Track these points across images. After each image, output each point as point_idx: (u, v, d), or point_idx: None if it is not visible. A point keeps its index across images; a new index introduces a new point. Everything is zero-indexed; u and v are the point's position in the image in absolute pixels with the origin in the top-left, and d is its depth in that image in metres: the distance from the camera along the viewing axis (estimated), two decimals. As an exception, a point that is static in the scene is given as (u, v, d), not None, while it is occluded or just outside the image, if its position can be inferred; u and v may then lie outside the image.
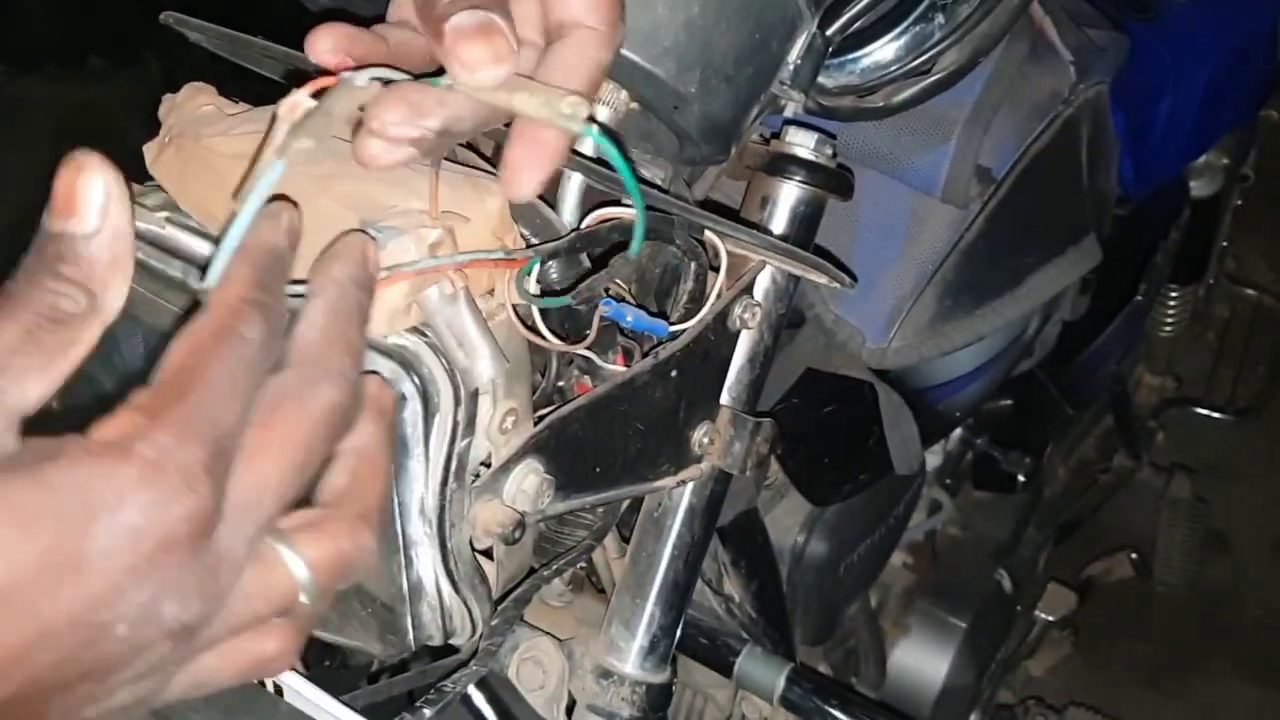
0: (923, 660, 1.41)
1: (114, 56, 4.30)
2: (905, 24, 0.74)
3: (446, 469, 0.56)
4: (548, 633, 0.78)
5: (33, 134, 3.60)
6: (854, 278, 0.67)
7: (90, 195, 0.39)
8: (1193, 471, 2.20)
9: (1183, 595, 2.23)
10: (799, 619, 1.12)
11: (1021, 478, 1.47)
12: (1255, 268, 2.40)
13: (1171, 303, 2.02)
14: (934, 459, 1.43)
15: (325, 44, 0.51)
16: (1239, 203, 2.00)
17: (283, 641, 0.44)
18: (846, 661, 1.35)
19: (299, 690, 0.65)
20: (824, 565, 1.11)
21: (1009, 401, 1.48)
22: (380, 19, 0.56)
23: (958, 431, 1.43)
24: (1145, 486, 2.18)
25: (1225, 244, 2.13)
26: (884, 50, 0.74)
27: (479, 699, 1.03)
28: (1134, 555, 2.16)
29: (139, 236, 0.63)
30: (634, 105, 0.64)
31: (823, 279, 0.65)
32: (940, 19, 0.74)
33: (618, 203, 0.62)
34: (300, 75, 0.58)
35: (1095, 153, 1.08)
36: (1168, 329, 2.05)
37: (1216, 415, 2.33)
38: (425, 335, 0.55)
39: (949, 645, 1.42)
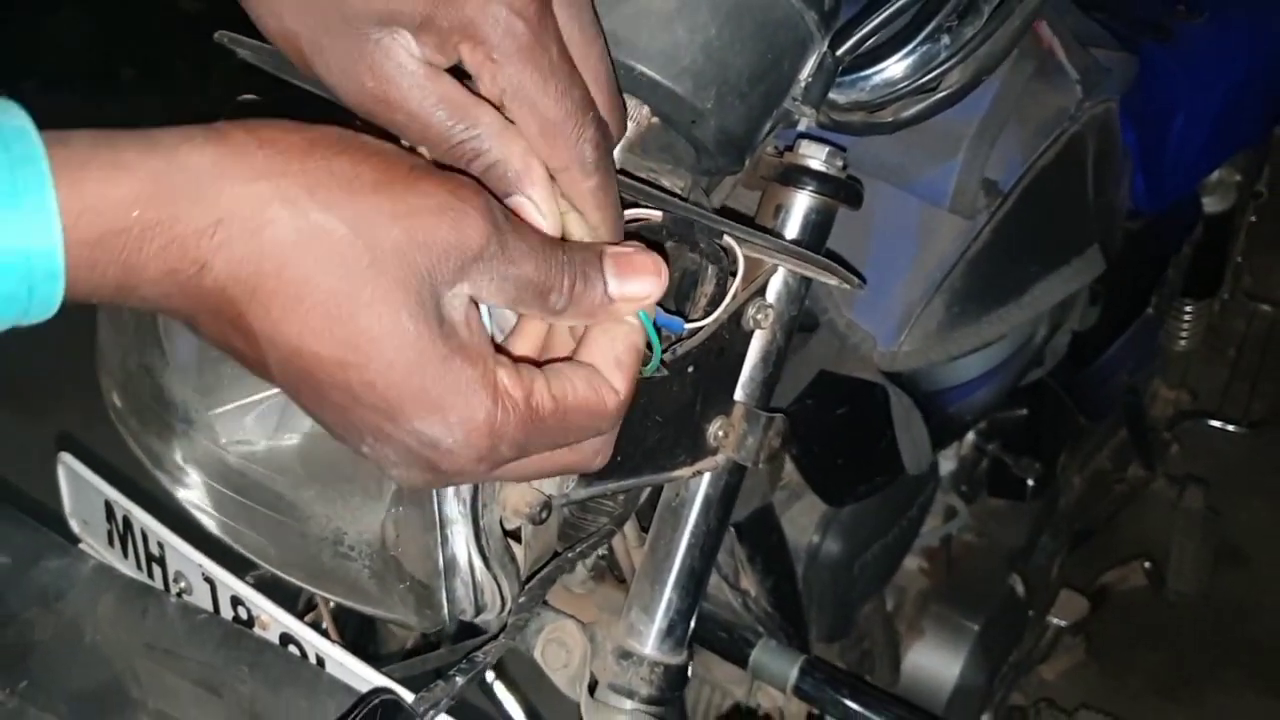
0: (936, 660, 1.45)
1: (145, 71, 4.39)
2: (913, 44, 0.78)
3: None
4: (572, 616, 0.82)
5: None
6: (863, 280, 0.72)
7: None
8: (1206, 483, 2.22)
9: (1197, 606, 2.26)
10: (814, 616, 1.16)
11: (1031, 482, 1.50)
12: (1271, 283, 2.42)
13: (1186, 317, 2.06)
14: (948, 465, 1.47)
15: None
16: (1253, 219, 2.03)
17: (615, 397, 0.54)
18: (862, 661, 1.39)
19: (340, 661, 0.69)
20: (838, 564, 1.15)
21: (1023, 410, 1.52)
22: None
23: (971, 438, 1.47)
24: (1159, 497, 2.21)
25: (1240, 259, 2.16)
26: (893, 69, 0.79)
27: (500, 690, 1.09)
28: (1148, 565, 2.19)
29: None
30: (655, 120, 0.69)
31: (832, 280, 0.70)
32: (946, 40, 0.78)
33: (637, 206, 0.66)
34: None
35: (1102, 168, 1.12)
36: (1183, 343, 2.08)
37: (1231, 428, 2.36)
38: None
39: (962, 646, 1.45)
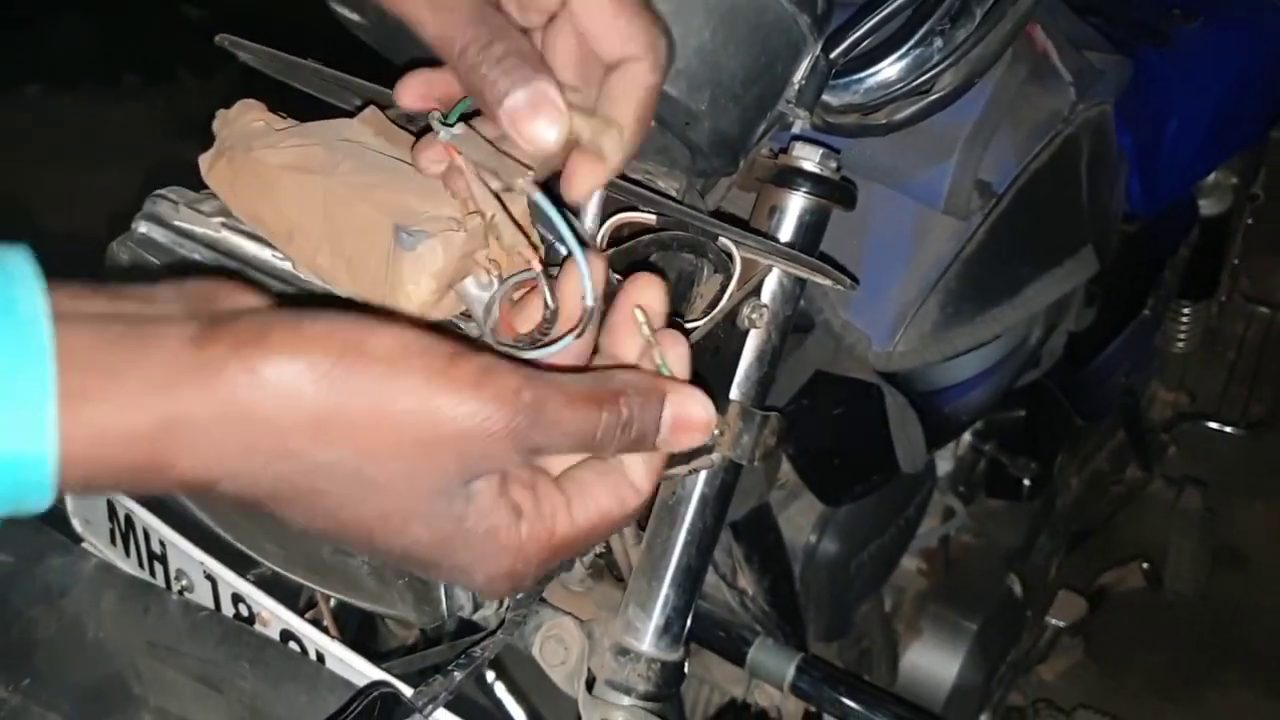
0: (934, 660, 1.46)
1: (148, 76, 4.41)
2: (906, 47, 0.79)
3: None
4: (570, 614, 0.83)
5: (70, 149, 3.70)
6: (856, 281, 0.73)
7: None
8: (1204, 484, 2.23)
9: (1195, 607, 2.27)
10: (811, 615, 1.17)
11: (1027, 482, 1.51)
12: (1269, 285, 2.43)
13: (1184, 319, 2.07)
14: (946, 466, 1.48)
15: (412, 90, 0.60)
16: (1250, 221, 2.04)
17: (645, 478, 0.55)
18: (860, 661, 1.40)
19: (340, 657, 0.70)
20: (835, 563, 1.16)
21: (1020, 411, 1.53)
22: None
23: (968, 438, 1.48)
24: (1157, 499, 2.21)
25: (1238, 262, 2.17)
26: (886, 72, 0.79)
27: (500, 689, 1.09)
28: (1146, 566, 2.20)
29: (195, 239, 0.69)
30: (651, 122, 0.70)
31: (825, 280, 0.71)
32: (939, 43, 0.79)
33: (634, 209, 0.67)
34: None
35: (1096, 170, 1.13)
36: (1180, 345, 2.09)
37: (1229, 430, 2.37)
38: (458, 326, 0.61)
39: (960, 646, 1.46)
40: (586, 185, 0.59)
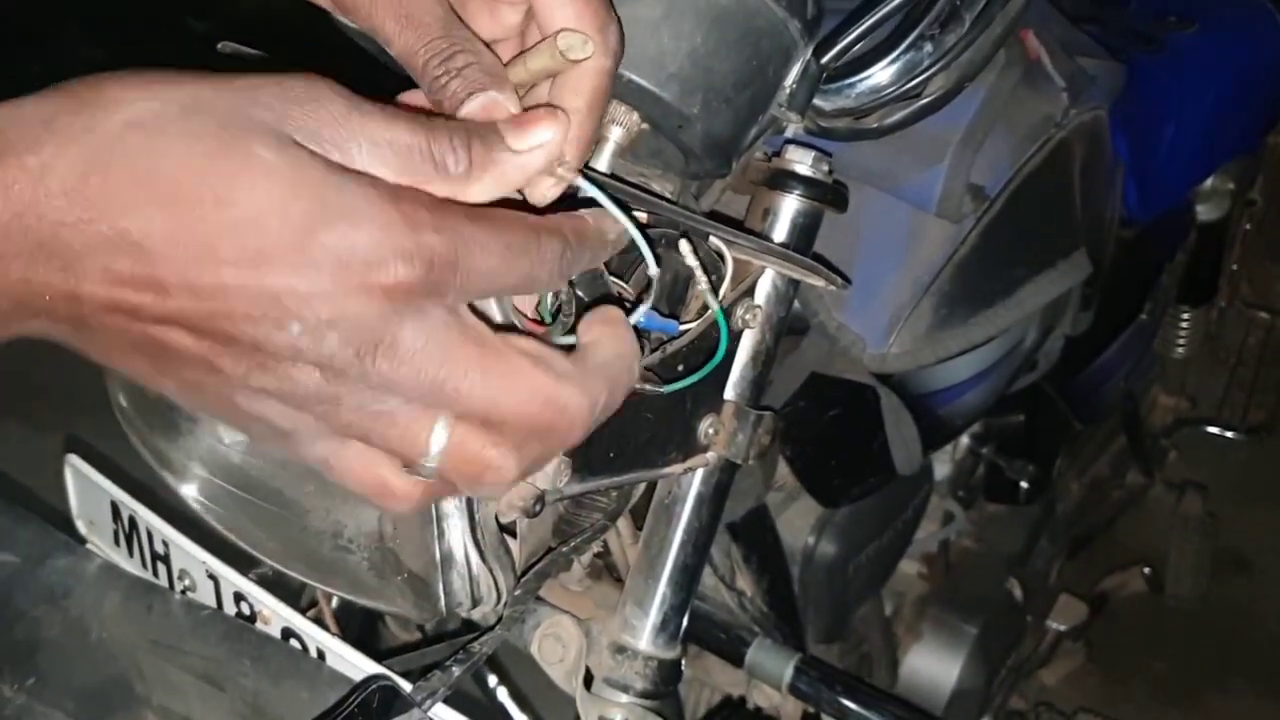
0: (934, 664, 1.46)
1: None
2: (897, 52, 0.80)
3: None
4: (568, 612, 0.84)
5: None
6: (848, 281, 0.74)
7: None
8: (1204, 489, 2.24)
9: (1198, 612, 2.27)
10: (810, 617, 1.18)
11: (1025, 485, 1.52)
12: (1269, 291, 2.43)
13: (1183, 324, 2.07)
14: (944, 469, 1.49)
15: None
16: (1248, 227, 2.05)
17: (406, 485, 0.49)
18: (860, 664, 1.41)
19: (341, 654, 0.71)
20: (833, 565, 1.17)
21: (1018, 415, 1.53)
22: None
23: (966, 442, 1.48)
24: (1158, 503, 2.22)
25: (1236, 267, 2.18)
26: (877, 76, 0.81)
27: (492, 680, 1.10)
28: (1147, 570, 2.20)
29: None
30: (644, 125, 0.71)
31: (818, 281, 0.72)
32: (929, 47, 0.80)
33: (628, 209, 0.68)
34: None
35: (1090, 174, 1.14)
36: (1180, 350, 2.10)
37: (1229, 435, 2.37)
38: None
39: (960, 649, 1.47)
40: (541, 190, 0.55)
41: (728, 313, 0.75)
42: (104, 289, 0.43)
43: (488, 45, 0.55)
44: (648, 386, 0.70)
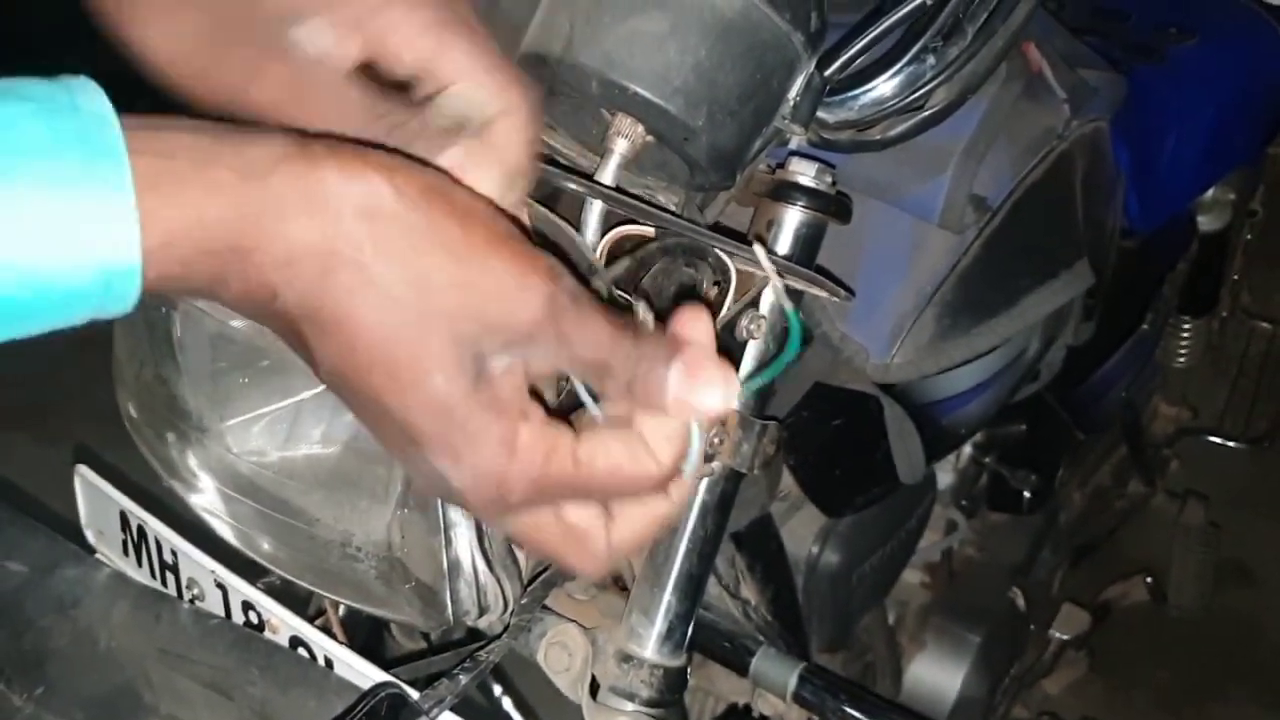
0: (937, 673, 1.47)
1: (159, 101, 4.44)
2: (899, 64, 0.81)
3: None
4: (574, 621, 0.84)
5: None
6: (851, 292, 0.74)
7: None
8: (1207, 499, 2.24)
9: (1201, 621, 2.27)
10: (814, 626, 1.18)
11: (1027, 494, 1.53)
12: (1270, 301, 2.44)
13: (1185, 335, 2.07)
14: (947, 478, 1.49)
15: None
16: (1249, 237, 2.05)
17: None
18: (864, 673, 1.41)
19: (348, 662, 0.72)
20: (837, 574, 1.17)
21: (1020, 425, 1.54)
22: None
23: (968, 451, 1.49)
24: (1160, 513, 2.22)
25: (1238, 277, 2.18)
26: (880, 88, 0.81)
27: (498, 689, 1.10)
28: (1149, 579, 2.20)
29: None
30: (649, 138, 0.71)
31: (821, 292, 0.72)
32: (931, 60, 0.81)
33: (633, 223, 0.69)
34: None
35: (1092, 185, 1.14)
36: (1182, 360, 2.10)
37: (1231, 444, 2.37)
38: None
39: (963, 658, 1.47)
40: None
41: (733, 323, 0.75)
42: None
43: None
44: None
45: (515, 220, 0.50)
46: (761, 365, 0.74)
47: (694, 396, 0.51)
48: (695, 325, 0.54)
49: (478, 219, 0.48)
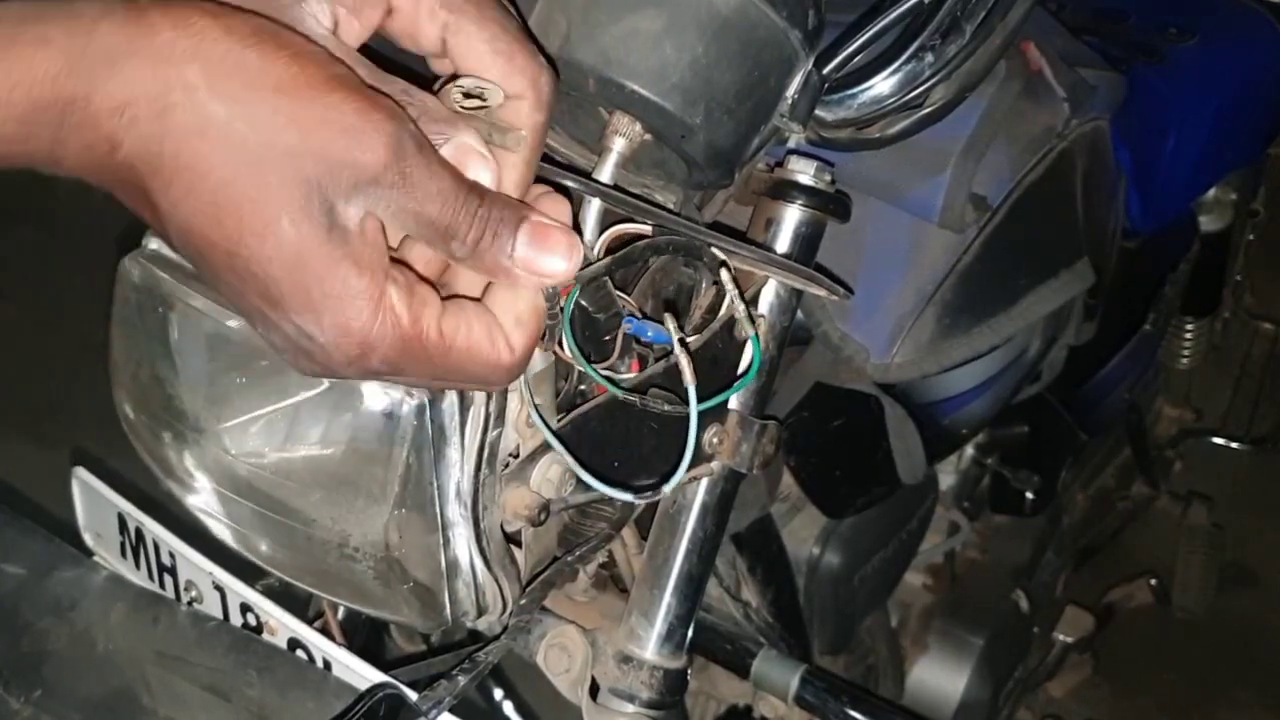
0: (940, 675, 1.46)
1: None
2: (898, 62, 0.80)
3: (480, 457, 0.64)
4: (574, 622, 0.84)
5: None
6: (850, 290, 0.74)
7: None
8: (1210, 500, 2.23)
9: (1205, 623, 2.26)
10: (815, 628, 1.18)
11: (1030, 495, 1.52)
12: (1273, 302, 2.43)
13: (1187, 335, 2.07)
14: (949, 480, 1.48)
15: None
16: (1250, 237, 2.05)
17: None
18: (866, 676, 1.40)
19: (346, 664, 0.71)
20: (838, 576, 1.17)
21: (1022, 425, 1.53)
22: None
23: (970, 453, 1.48)
24: (1163, 514, 2.22)
25: (1240, 278, 2.18)
26: (879, 86, 0.81)
27: (505, 701, 1.10)
28: (1153, 581, 2.20)
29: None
30: (647, 136, 0.71)
31: (821, 291, 0.72)
32: (930, 58, 0.81)
33: (631, 220, 0.69)
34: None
35: (1092, 184, 1.14)
36: (1184, 361, 2.09)
37: (1234, 445, 2.37)
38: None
39: (966, 661, 1.47)
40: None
41: (731, 322, 0.75)
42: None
43: None
44: (667, 407, 0.70)
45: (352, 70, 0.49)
46: (720, 388, 0.74)
47: (540, 261, 0.52)
48: (549, 203, 0.56)
49: (313, 60, 0.47)
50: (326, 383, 0.65)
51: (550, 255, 0.52)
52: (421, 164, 0.48)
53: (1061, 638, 1.81)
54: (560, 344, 0.65)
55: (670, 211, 0.75)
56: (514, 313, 0.54)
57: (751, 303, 0.77)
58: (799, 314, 0.86)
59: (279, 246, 0.46)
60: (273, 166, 0.45)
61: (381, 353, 0.49)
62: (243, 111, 0.45)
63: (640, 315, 0.73)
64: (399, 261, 0.52)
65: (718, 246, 0.71)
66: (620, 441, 0.71)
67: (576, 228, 0.71)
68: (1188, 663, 2.33)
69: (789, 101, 0.74)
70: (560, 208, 0.56)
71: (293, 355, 0.51)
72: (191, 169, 0.45)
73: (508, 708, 1.23)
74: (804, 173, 0.79)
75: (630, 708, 0.81)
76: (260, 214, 0.46)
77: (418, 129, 0.49)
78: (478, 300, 0.54)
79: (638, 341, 0.74)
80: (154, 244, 0.72)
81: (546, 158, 0.72)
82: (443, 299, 0.52)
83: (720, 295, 0.75)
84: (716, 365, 0.76)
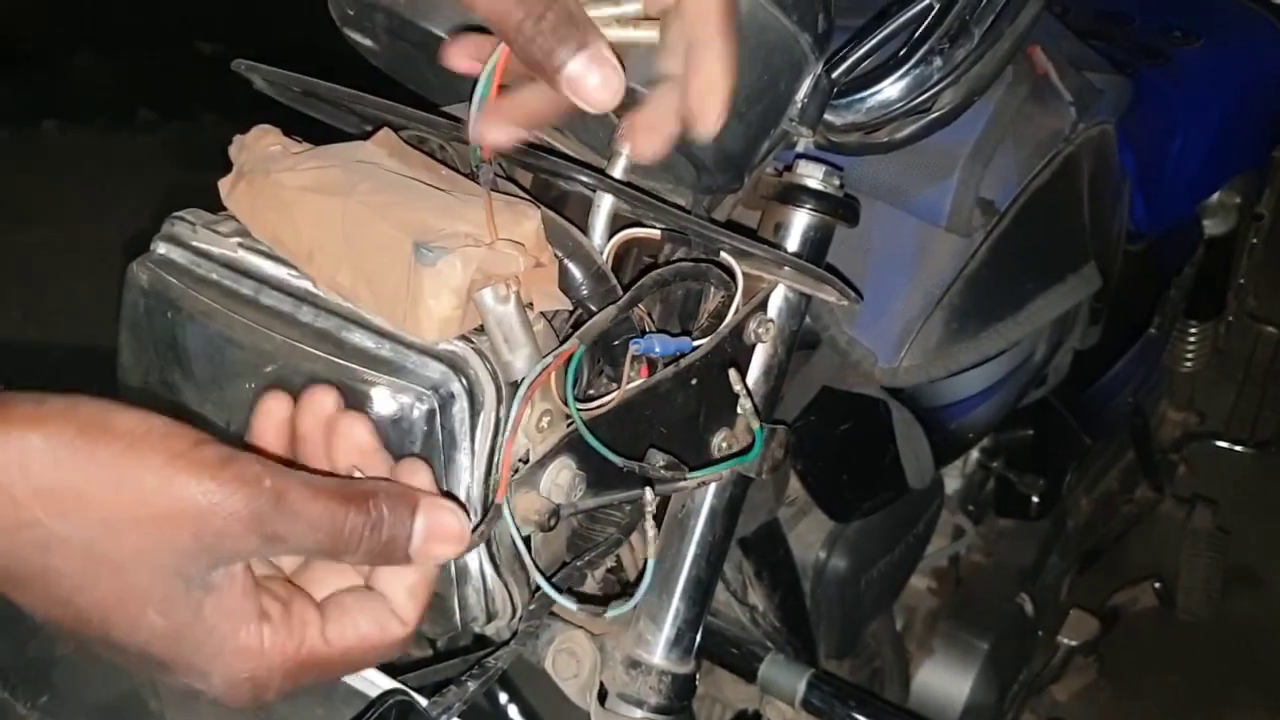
0: (945, 679, 1.46)
1: (162, 111, 4.46)
2: (906, 67, 0.81)
3: (490, 461, 0.63)
4: (582, 627, 0.84)
5: (86, 184, 3.74)
6: (859, 294, 0.74)
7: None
8: (1215, 503, 2.23)
9: (1209, 626, 2.26)
10: (822, 632, 1.18)
11: (1035, 499, 1.52)
12: (1277, 305, 2.43)
13: (1191, 338, 2.07)
14: (954, 484, 1.48)
15: (460, 53, 0.62)
16: (1255, 241, 2.05)
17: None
18: (872, 680, 1.40)
19: (356, 669, 0.71)
20: (845, 580, 1.16)
21: (1028, 429, 1.53)
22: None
23: (975, 456, 1.48)
24: (1168, 518, 2.21)
25: (1244, 281, 2.18)
26: (887, 91, 0.81)
27: (513, 706, 1.10)
28: (1158, 585, 2.20)
29: (213, 259, 0.71)
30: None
31: (830, 295, 0.72)
32: (938, 62, 0.81)
33: (639, 225, 0.69)
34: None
35: (1098, 188, 1.14)
36: (1188, 364, 2.09)
37: (1238, 449, 2.37)
38: (472, 342, 0.62)
39: (971, 665, 1.47)
40: (648, 149, 0.63)
41: (741, 326, 0.75)
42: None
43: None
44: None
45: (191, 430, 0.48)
46: (723, 459, 0.75)
47: (434, 549, 0.53)
48: (416, 474, 0.56)
49: (149, 444, 0.45)
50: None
51: (445, 543, 0.53)
52: (285, 517, 0.47)
53: (1066, 641, 1.80)
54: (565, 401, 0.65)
55: (681, 209, 0.75)
56: (405, 586, 0.55)
57: (760, 307, 0.77)
58: (806, 318, 0.86)
59: (150, 633, 0.46)
60: (128, 569, 0.45)
61: (275, 685, 0.50)
62: (83, 521, 0.44)
63: (646, 329, 0.73)
64: (264, 580, 0.52)
65: (733, 246, 0.71)
66: (630, 444, 0.71)
67: (584, 230, 0.71)
68: (1192, 666, 2.33)
69: (798, 105, 0.74)
70: (424, 475, 0.57)
71: (193, 695, 0.51)
72: (41, 580, 0.45)
73: (513, 711, 1.23)
74: (813, 177, 0.79)
75: (638, 713, 0.81)
76: (123, 611, 0.46)
77: (276, 478, 0.47)
78: (357, 588, 0.55)
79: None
80: (162, 249, 0.72)
81: (562, 155, 0.72)
82: (318, 603, 0.53)
83: (727, 300, 0.74)
84: (725, 369, 0.76)
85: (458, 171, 0.70)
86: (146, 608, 0.46)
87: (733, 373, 0.73)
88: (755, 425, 0.74)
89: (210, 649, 0.47)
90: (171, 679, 0.49)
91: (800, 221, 0.79)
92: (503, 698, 1.23)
